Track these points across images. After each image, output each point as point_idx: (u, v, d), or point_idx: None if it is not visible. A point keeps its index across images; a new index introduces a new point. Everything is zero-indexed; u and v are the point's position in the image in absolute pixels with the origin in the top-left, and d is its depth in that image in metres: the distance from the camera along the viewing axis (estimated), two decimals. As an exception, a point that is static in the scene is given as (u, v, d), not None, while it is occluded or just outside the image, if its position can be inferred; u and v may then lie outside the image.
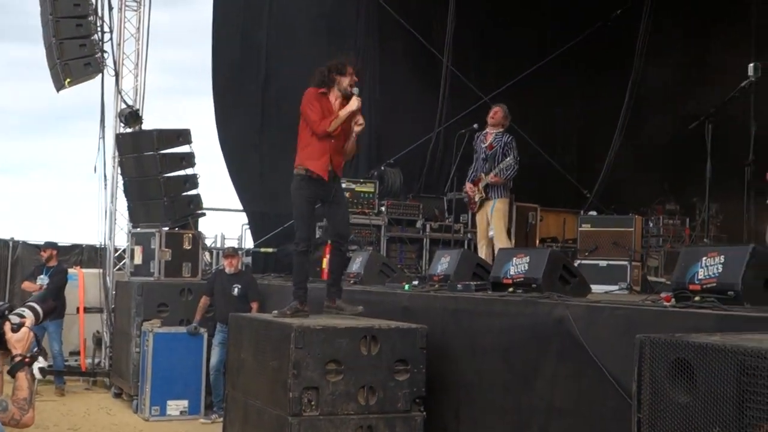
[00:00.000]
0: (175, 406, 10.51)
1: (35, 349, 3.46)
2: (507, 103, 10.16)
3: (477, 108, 13.87)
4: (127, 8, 13.17)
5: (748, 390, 2.87)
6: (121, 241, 13.04)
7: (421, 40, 14.49)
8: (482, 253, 9.51)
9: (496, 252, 8.87)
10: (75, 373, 12.53)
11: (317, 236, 12.88)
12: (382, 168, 13.60)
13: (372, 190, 12.96)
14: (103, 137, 12.49)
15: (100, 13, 12.21)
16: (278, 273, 12.70)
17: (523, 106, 11.44)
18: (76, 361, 12.67)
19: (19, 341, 3.38)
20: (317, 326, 6.25)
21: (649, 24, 14.57)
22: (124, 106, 12.83)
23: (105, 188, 12.67)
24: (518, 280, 6.59)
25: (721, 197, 10.66)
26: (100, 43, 12.24)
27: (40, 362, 3.46)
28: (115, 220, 13.02)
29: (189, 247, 11.55)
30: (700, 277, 4.91)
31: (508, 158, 9.47)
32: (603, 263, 10.31)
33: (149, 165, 11.84)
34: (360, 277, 9.37)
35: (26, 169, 29.75)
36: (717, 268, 4.85)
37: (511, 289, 6.60)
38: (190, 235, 11.66)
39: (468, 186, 9.80)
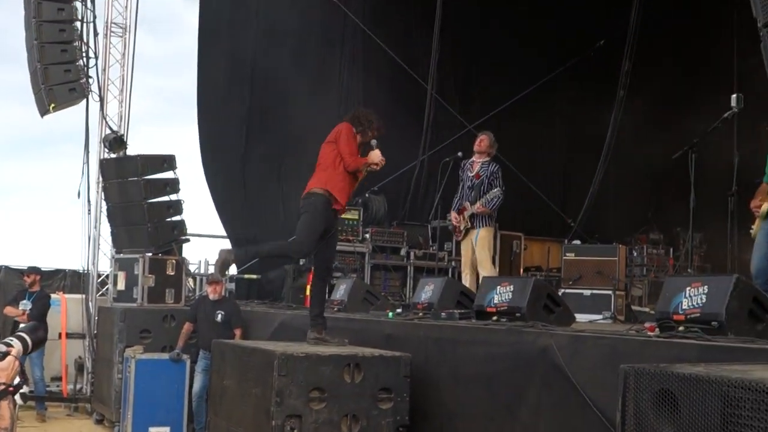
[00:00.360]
0: (158, 434, 10.41)
1: (18, 381, 3.41)
2: (491, 131, 10.21)
3: (461, 136, 13.95)
4: (112, 34, 13.18)
5: (731, 421, 2.86)
6: (105, 266, 13.01)
7: (406, 68, 14.57)
8: (466, 281, 9.51)
9: (480, 280, 8.87)
10: (56, 399, 12.41)
11: (301, 263, 12.93)
12: (367, 195, 13.61)
13: (356, 217, 12.98)
14: (87, 162, 12.47)
15: (85, 39, 12.21)
16: (261, 300, 12.67)
17: (508, 135, 11.50)
18: (57, 386, 12.56)
19: (3, 370, 3.34)
20: (300, 353, 6.21)
21: (632, 54, 14.70)
22: (108, 131, 12.82)
23: (89, 213, 12.63)
24: (502, 308, 6.58)
25: (704, 227, 10.74)
26: (85, 68, 12.24)
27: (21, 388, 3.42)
28: (99, 245, 12.98)
29: (172, 273, 11.51)
30: (684, 307, 4.91)
31: (495, 189, 9.48)
32: (587, 292, 10.33)
33: (133, 191, 11.81)
34: (344, 305, 9.35)
35: (9, 193, 29.55)
36: (701, 298, 4.85)
37: (495, 318, 6.59)
38: (174, 261, 11.62)
39: (453, 215, 9.82)
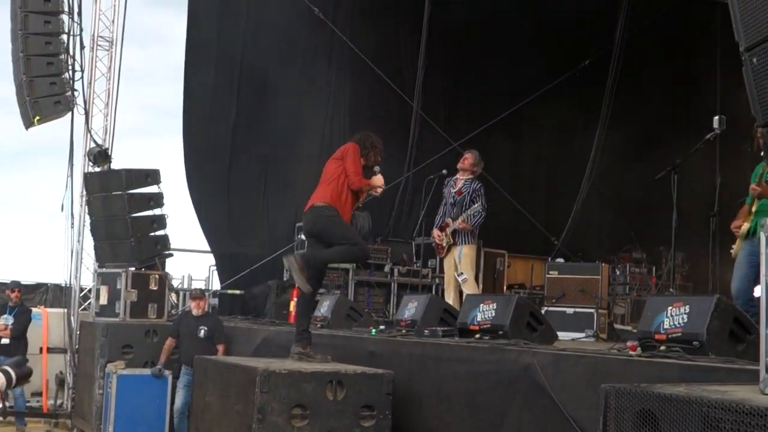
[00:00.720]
0: (138, 449, 10.34)
1: None
2: (476, 149, 10.24)
3: (446, 154, 13.99)
4: (99, 48, 13.17)
5: (711, 441, 2.88)
6: (87, 280, 12.92)
7: (392, 85, 14.61)
8: (450, 298, 9.52)
9: (463, 298, 8.88)
10: (36, 414, 12.30)
11: (285, 278, 12.91)
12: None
13: (341, 233, 12.93)
14: (71, 176, 12.40)
15: (71, 52, 12.18)
16: (245, 315, 12.63)
17: (492, 153, 11.55)
18: (38, 402, 12.45)
19: None
20: (283, 370, 6.19)
21: (617, 74, 14.82)
22: (93, 145, 12.77)
23: (72, 227, 12.56)
24: (485, 326, 6.59)
25: (687, 247, 10.80)
26: (71, 81, 12.20)
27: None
28: (81, 259, 12.90)
29: (155, 288, 11.45)
30: (665, 326, 4.94)
31: (476, 205, 9.52)
32: (570, 310, 10.35)
33: (117, 205, 11.76)
34: (327, 321, 9.34)
35: (-8, 205, 29.43)
36: (682, 318, 4.88)
37: (477, 336, 6.61)
38: (157, 275, 11.57)
39: (435, 232, 9.84)
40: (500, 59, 15.22)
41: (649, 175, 8.82)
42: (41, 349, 12.47)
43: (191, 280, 13.71)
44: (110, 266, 11.78)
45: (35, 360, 12.29)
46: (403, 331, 7.74)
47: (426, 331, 7.28)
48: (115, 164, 12.74)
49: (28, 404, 12.09)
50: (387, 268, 13.00)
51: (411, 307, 7.98)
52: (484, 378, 5.92)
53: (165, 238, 12.02)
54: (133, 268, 11.51)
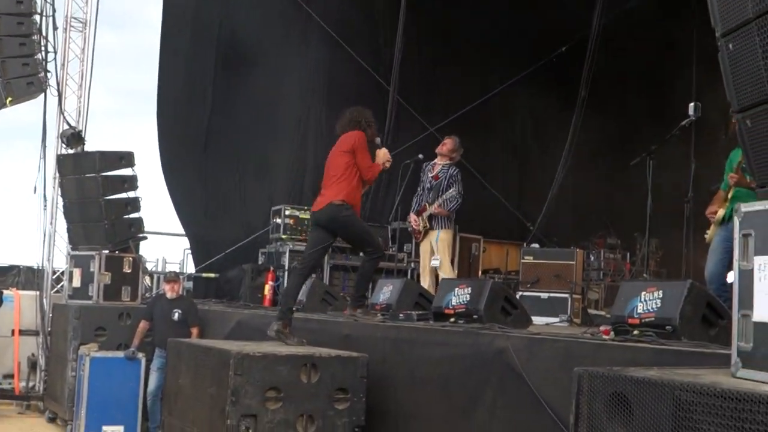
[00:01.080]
0: (111, 432, 10.31)
1: None
2: (453, 134, 10.24)
3: (422, 139, 13.97)
4: (72, 29, 13.04)
5: (683, 424, 2.89)
6: (60, 263, 12.84)
7: (369, 69, 14.57)
8: (425, 283, 9.53)
9: (439, 282, 8.90)
10: (8, 396, 12.23)
11: (260, 262, 12.88)
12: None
13: (317, 217, 12.91)
14: (44, 158, 12.29)
15: (44, 33, 12.04)
16: (219, 299, 12.59)
17: (469, 138, 11.54)
18: (9, 384, 12.37)
19: None
20: (257, 353, 6.18)
21: (594, 60, 14.82)
22: (66, 126, 12.66)
23: (45, 209, 12.46)
24: (460, 310, 6.60)
25: (661, 233, 10.83)
26: (44, 62, 12.06)
27: None
28: (54, 241, 12.81)
29: (129, 271, 11.41)
30: (639, 311, 4.96)
31: (452, 190, 9.54)
32: (544, 295, 10.39)
33: (90, 187, 11.68)
34: (302, 305, 9.32)
35: (-37, 188, 29.08)
36: (655, 303, 4.91)
37: (452, 320, 6.61)
38: (131, 258, 11.52)
39: (412, 217, 9.85)
40: (478, 44, 15.20)
41: (624, 161, 8.85)
42: (13, 331, 12.38)
43: (165, 263, 13.65)
44: (83, 249, 11.72)
45: (7, 342, 12.22)
46: (378, 314, 7.75)
47: (401, 314, 7.29)
48: (89, 146, 12.66)
49: (-1, 386, 12.03)
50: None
51: (386, 291, 7.99)
52: (458, 361, 5.93)
53: (139, 221, 11.96)
54: (106, 251, 11.45)
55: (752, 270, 3.19)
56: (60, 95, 12.68)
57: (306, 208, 12.95)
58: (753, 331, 3.17)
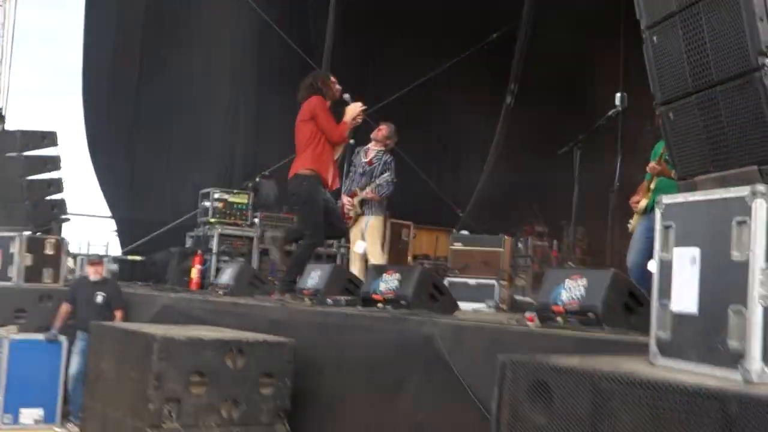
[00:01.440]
0: (29, 415, 10.10)
1: None
2: (386, 121, 10.23)
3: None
4: (-6, 2, 12.70)
5: (601, 412, 2.93)
6: (-21, 244, 12.48)
7: (300, 52, 14.44)
8: (355, 268, 9.51)
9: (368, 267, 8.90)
10: None
11: (187, 245, 12.72)
12: (257, 180, 13.48)
13: (246, 201, 12.86)
14: (-37, 135, 11.96)
15: (-35, 6, 11.72)
16: (145, 281, 12.41)
17: (400, 125, 11.55)
18: (-76, 367, 12.03)
19: None
20: (182, 337, 6.12)
21: (524, 48, 14.93)
22: (-13, 103, 12.34)
23: (-37, 189, 12.11)
24: (388, 296, 6.61)
25: (587, 221, 10.98)
26: (-36, 36, 11.74)
27: None
28: (-27, 222, 12.46)
29: (51, 253, 11.15)
30: (563, 298, 5.02)
31: (385, 175, 9.53)
32: (473, 281, 10.47)
33: (11, 167, 11.38)
34: (229, 289, 9.24)
35: None
36: (580, 291, 4.96)
37: (380, 305, 6.62)
38: (53, 240, 11.26)
39: (345, 198, 9.80)
40: (410, 30, 15.18)
41: (553, 149, 8.94)
42: (-71, 313, 12.02)
43: (89, 245, 13.41)
44: (3, 230, 11.42)
45: (-77, 324, 11.86)
46: (306, 299, 7.71)
47: (329, 300, 7.27)
48: (10, 125, 12.33)
49: None
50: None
51: (314, 276, 7.94)
52: (384, 347, 5.94)
53: (62, 202, 11.71)
54: (28, 232, 11.19)
55: (672, 261, 3.25)
56: (-19, 71, 12.35)
57: (236, 191, 12.86)
58: (671, 321, 3.22)
